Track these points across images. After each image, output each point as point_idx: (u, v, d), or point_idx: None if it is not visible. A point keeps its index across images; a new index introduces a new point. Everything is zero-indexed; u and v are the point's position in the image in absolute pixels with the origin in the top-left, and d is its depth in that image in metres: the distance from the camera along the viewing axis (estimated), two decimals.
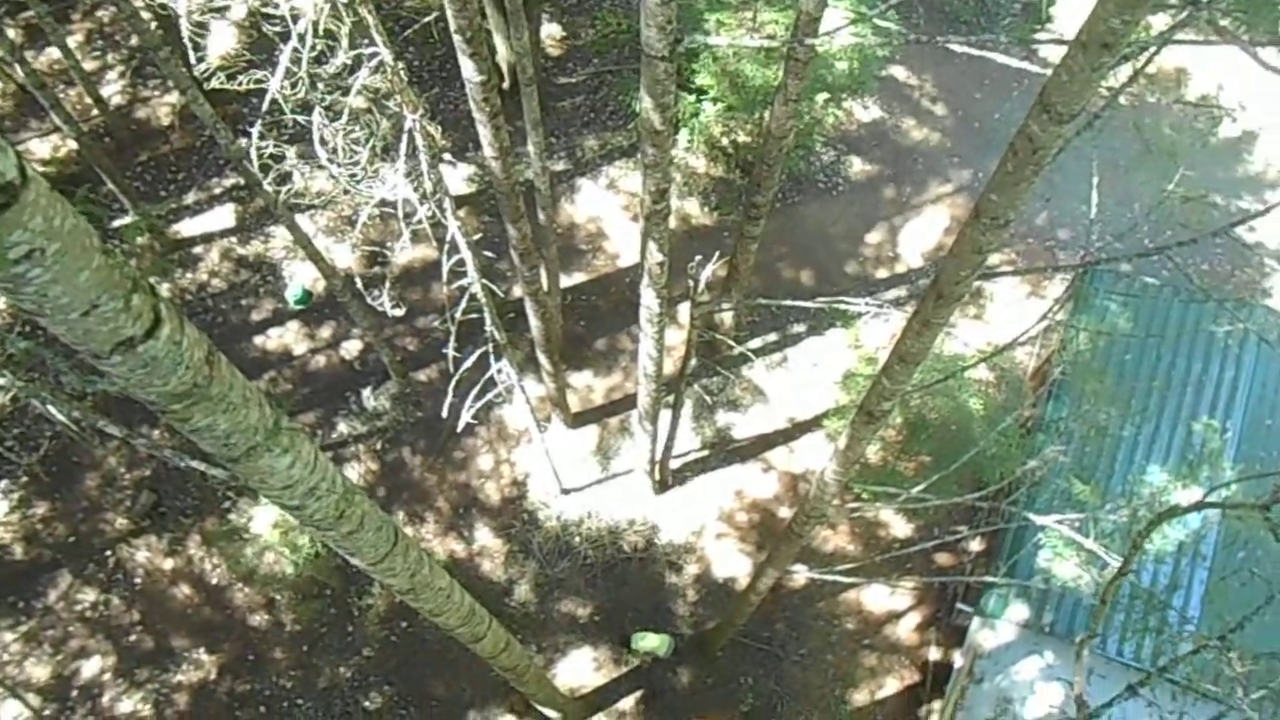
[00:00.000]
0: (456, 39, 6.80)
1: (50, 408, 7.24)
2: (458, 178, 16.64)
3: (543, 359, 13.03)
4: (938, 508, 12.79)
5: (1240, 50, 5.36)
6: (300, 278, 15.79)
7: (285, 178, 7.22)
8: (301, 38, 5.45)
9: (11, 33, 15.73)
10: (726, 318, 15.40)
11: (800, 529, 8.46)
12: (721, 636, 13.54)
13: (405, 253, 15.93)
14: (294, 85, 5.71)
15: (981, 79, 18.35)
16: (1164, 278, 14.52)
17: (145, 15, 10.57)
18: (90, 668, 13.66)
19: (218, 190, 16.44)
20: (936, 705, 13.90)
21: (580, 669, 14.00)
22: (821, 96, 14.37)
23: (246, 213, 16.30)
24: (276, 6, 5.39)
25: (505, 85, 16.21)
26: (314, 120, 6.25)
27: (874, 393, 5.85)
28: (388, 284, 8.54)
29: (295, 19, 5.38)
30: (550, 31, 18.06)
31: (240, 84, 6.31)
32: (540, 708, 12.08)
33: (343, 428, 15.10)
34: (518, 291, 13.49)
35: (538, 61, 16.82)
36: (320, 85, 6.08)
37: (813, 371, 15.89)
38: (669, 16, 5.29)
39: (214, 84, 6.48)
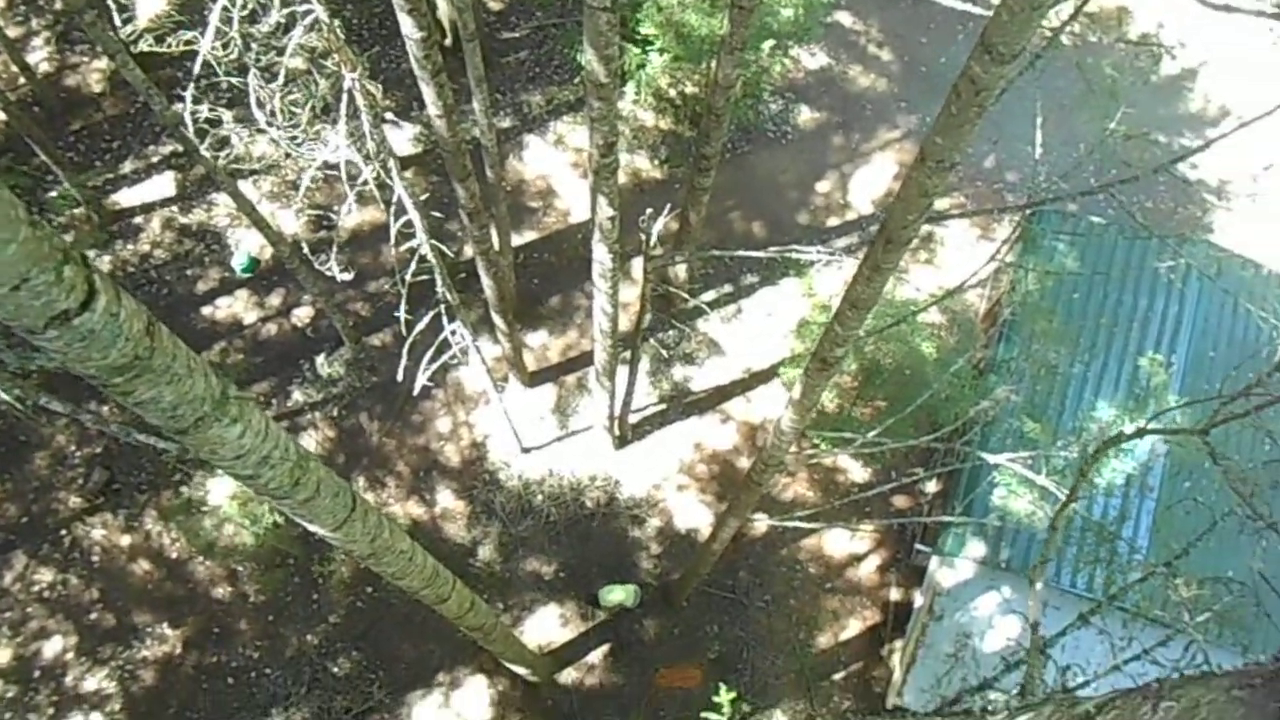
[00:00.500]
0: None
1: None
2: (403, 138, 16.36)
3: (497, 319, 12.94)
4: (894, 451, 12.99)
5: None
6: (246, 245, 15.49)
7: (223, 143, 7.04)
8: None
9: None
10: (680, 271, 15.38)
11: (759, 478, 8.55)
12: (686, 587, 13.70)
13: (352, 216, 15.67)
14: (226, 46, 5.55)
15: (927, 23, 18.34)
16: (1109, 216, 14.73)
17: None
18: (51, 648, 13.51)
19: (155, 158, 16.00)
20: (898, 644, 14.21)
21: (548, 625, 14.11)
22: (768, 44, 14.26)
23: (187, 180, 15.90)
24: None
25: (447, 42, 15.89)
26: (250, 82, 6.08)
27: (827, 340, 5.88)
28: (335, 248, 8.41)
29: None
30: None
31: (171, 46, 6.12)
32: (510, 665, 12.17)
33: (298, 396, 14.93)
34: (469, 252, 13.35)
35: (479, 16, 16.52)
36: (254, 46, 5.92)
37: (767, 321, 15.96)
38: None
39: (144, 47, 6.28)
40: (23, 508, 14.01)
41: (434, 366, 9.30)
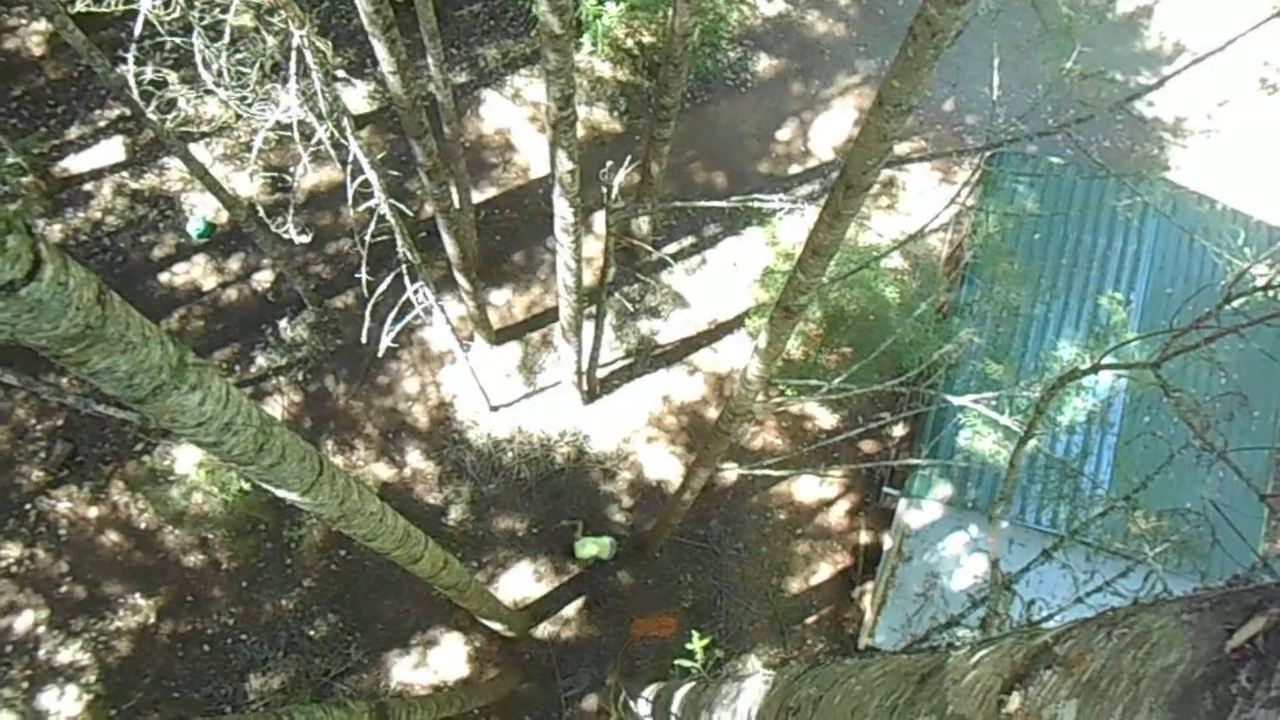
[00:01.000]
0: None
1: None
2: (357, 96, 16.05)
3: (460, 277, 12.83)
4: (860, 396, 13.11)
5: None
6: (201, 210, 15.19)
7: (171, 105, 6.87)
8: None
9: None
10: (643, 224, 15.31)
11: (727, 427, 8.60)
12: (659, 538, 13.83)
13: (309, 177, 15.40)
14: (168, 4, 5.39)
15: None
16: (1068, 156, 14.81)
17: None
18: (23, 622, 13.42)
19: (102, 123, 15.58)
20: (869, 586, 14.47)
21: (523, 581, 14.21)
22: None
23: (136, 145, 15.52)
24: None
25: None
26: (195, 42, 5.92)
27: (790, 288, 5.90)
28: (292, 210, 8.27)
29: None
30: None
31: (111, 6, 5.93)
32: (485, 622, 12.26)
33: (261, 361, 14.77)
34: (429, 210, 13.20)
35: None
36: (197, 4, 5.75)
37: (732, 272, 15.96)
38: None
39: (82, 7, 6.08)
40: None
41: (398, 328, 9.23)
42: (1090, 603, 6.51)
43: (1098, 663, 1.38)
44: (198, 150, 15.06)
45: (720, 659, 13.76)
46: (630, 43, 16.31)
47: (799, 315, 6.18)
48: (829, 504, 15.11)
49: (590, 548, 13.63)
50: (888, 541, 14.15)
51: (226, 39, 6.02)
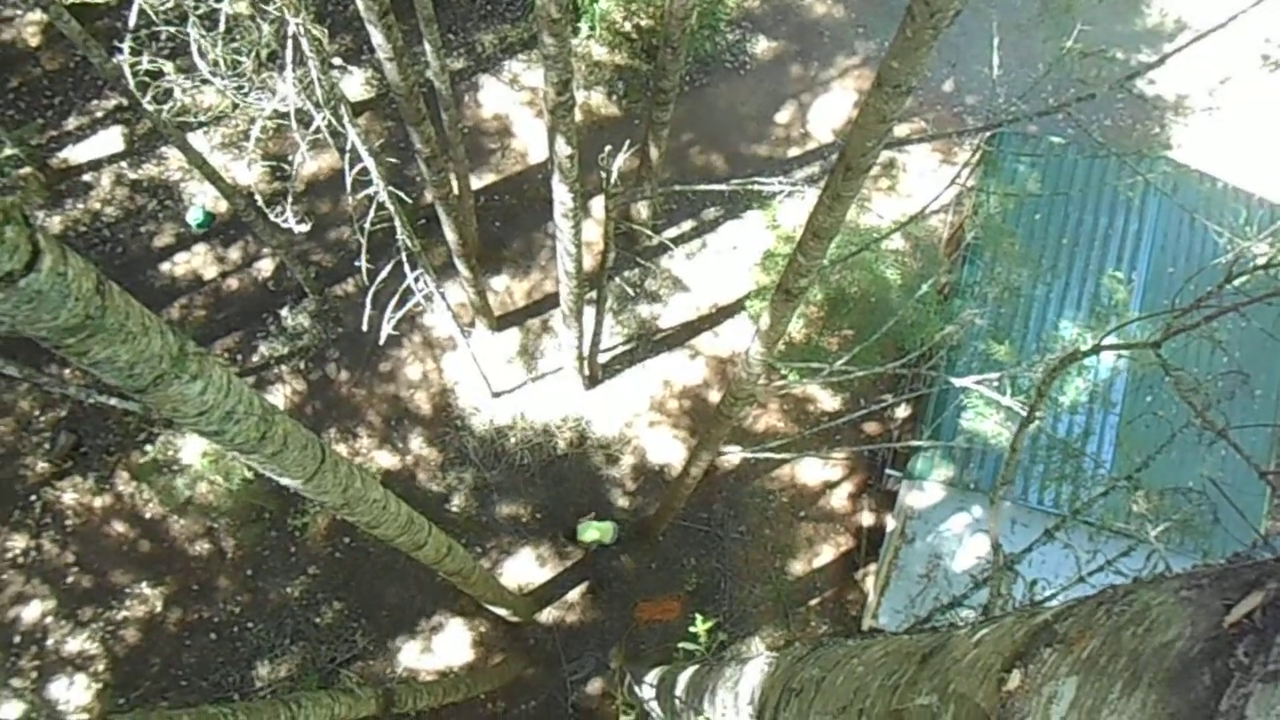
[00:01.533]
0: None
1: None
2: (354, 83, 16.00)
3: (460, 264, 12.82)
4: (862, 379, 13.13)
5: None
6: (200, 199, 15.17)
7: (167, 95, 6.85)
8: None
9: None
10: (642, 208, 15.29)
11: (728, 411, 8.61)
12: (662, 522, 13.86)
13: (307, 165, 15.38)
14: None
15: None
16: (1069, 136, 14.75)
17: None
18: (31, 612, 13.49)
19: (100, 113, 15.56)
20: (871, 568, 14.52)
21: (526, 567, 14.26)
22: None
23: (134, 135, 15.49)
24: None
25: None
26: (190, 31, 5.90)
27: (790, 270, 5.89)
28: (290, 199, 8.25)
29: None
30: None
31: None
32: (490, 607, 12.30)
33: (264, 350, 14.78)
34: (429, 197, 13.18)
35: None
36: None
37: (732, 255, 15.94)
38: None
39: None
40: None
41: (399, 315, 9.24)
42: (1092, 582, 6.52)
43: (1097, 640, 1.38)
44: (195, 139, 15.03)
45: (724, 642, 13.81)
46: (628, 26, 16.25)
47: (800, 298, 6.18)
48: (831, 486, 15.13)
49: (592, 532, 13.67)
50: (890, 523, 14.18)
51: (222, 27, 6.00)
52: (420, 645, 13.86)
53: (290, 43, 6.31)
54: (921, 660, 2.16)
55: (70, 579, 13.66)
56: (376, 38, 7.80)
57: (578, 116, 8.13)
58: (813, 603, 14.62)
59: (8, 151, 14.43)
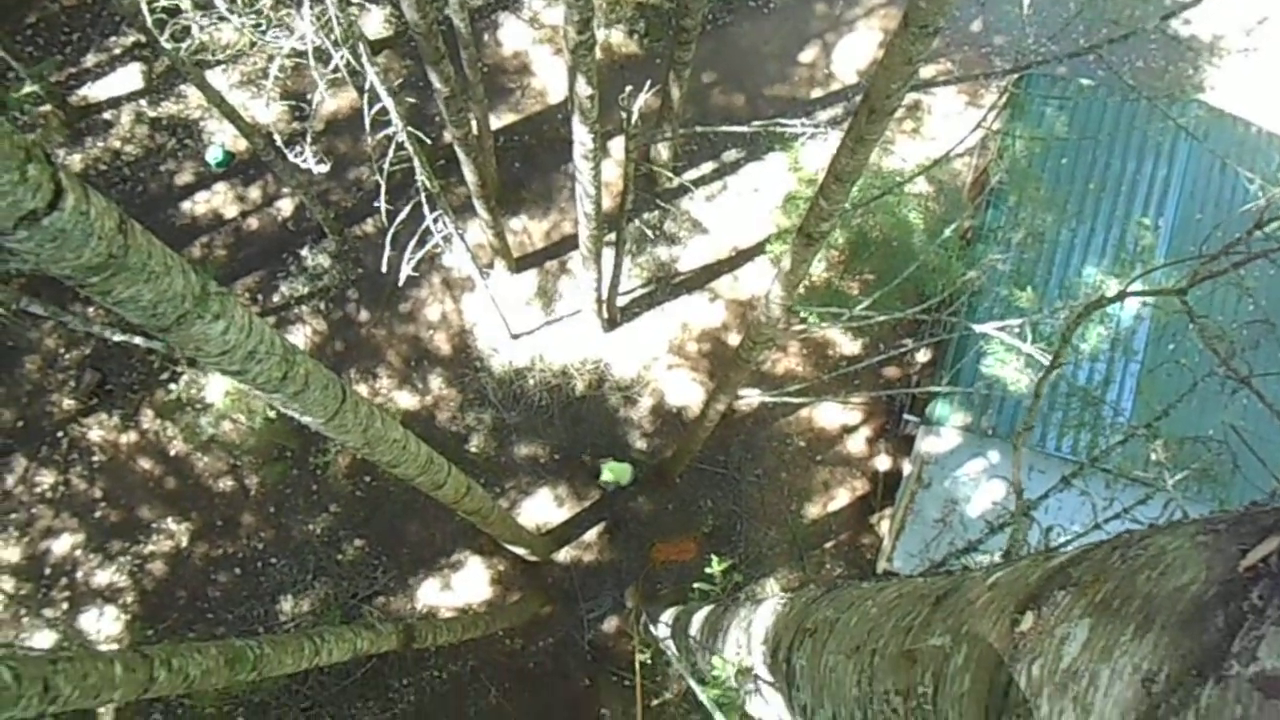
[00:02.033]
0: None
1: None
2: (373, 21, 15.82)
3: (479, 205, 12.77)
4: (883, 324, 13.07)
5: None
6: (220, 137, 15.14)
7: (184, 32, 6.79)
8: None
9: None
10: (663, 149, 15.14)
11: (747, 355, 8.61)
12: (679, 464, 13.95)
13: (326, 103, 15.29)
14: None
15: None
16: (1099, 78, 14.44)
17: None
18: (60, 546, 13.79)
19: (118, 50, 15.47)
20: (887, 512, 14.59)
21: (544, 507, 14.42)
22: None
23: (153, 72, 15.42)
24: None
25: None
26: None
27: (812, 214, 5.84)
28: (309, 138, 8.22)
29: None
30: None
31: None
32: (509, 546, 12.48)
33: (284, 290, 14.85)
34: (448, 137, 13.09)
35: None
36: None
37: (753, 197, 15.80)
38: None
39: None
40: (17, 412, 14.09)
41: (418, 256, 9.23)
42: (1108, 529, 6.53)
43: (1111, 583, 1.39)
44: (213, 77, 14.95)
45: (739, 583, 13.99)
46: None
47: (821, 242, 6.13)
48: (849, 430, 15.16)
49: (608, 473, 13.77)
50: (907, 468, 14.21)
51: None
52: (440, 582, 14.10)
53: None
54: (935, 602, 2.18)
55: (98, 514, 13.93)
56: None
57: (598, 55, 8.02)
58: (828, 545, 14.74)
59: (27, 89, 14.40)
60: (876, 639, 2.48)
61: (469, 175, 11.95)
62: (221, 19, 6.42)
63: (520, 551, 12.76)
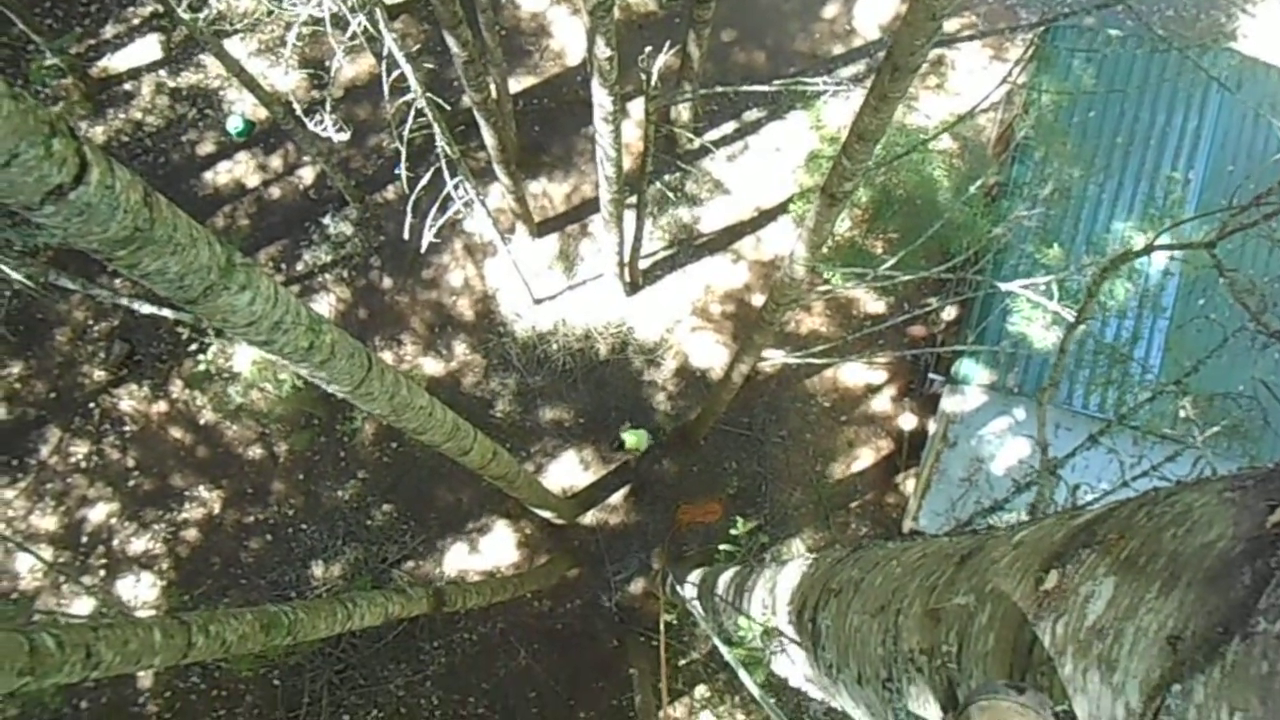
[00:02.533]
0: None
1: (3, 266, 7.09)
2: None
3: (499, 170, 12.75)
4: (907, 282, 12.97)
5: None
6: (240, 107, 15.15)
7: (202, 1, 6.78)
8: None
9: None
10: (683, 110, 15.01)
11: (771, 316, 8.58)
12: (703, 426, 13.98)
13: (344, 70, 15.26)
14: None
15: None
16: (1128, 29, 14.14)
17: None
18: (96, 515, 14.04)
19: (136, 20, 15.48)
20: (912, 472, 14.57)
21: (570, 470, 14.51)
22: None
23: (171, 42, 15.42)
24: None
25: None
26: None
27: (835, 174, 5.78)
28: (329, 106, 8.22)
29: None
30: None
31: None
32: (535, 510, 12.59)
33: (307, 258, 14.92)
34: (467, 101, 13.04)
35: None
36: None
37: (775, 157, 15.66)
38: None
39: None
40: (49, 384, 14.29)
41: (439, 222, 9.25)
42: (1136, 487, 6.50)
43: (1137, 541, 1.39)
44: (232, 46, 14.94)
45: (764, 544, 14.07)
46: None
47: (844, 202, 6.08)
48: (874, 390, 15.11)
49: (631, 439, 13.80)
50: (932, 427, 14.17)
51: None
52: (468, 546, 14.26)
53: None
54: (960, 561, 2.18)
55: (132, 482, 14.16)
56: None
57: (616, 15, 7.94)
58: (853, 506, 14.76)
59: (48, 61, 14.45)
60: (901, 598, 2.49)
61: (489, 140, 11.91)
62: None
63: (546, 515, 12.86)
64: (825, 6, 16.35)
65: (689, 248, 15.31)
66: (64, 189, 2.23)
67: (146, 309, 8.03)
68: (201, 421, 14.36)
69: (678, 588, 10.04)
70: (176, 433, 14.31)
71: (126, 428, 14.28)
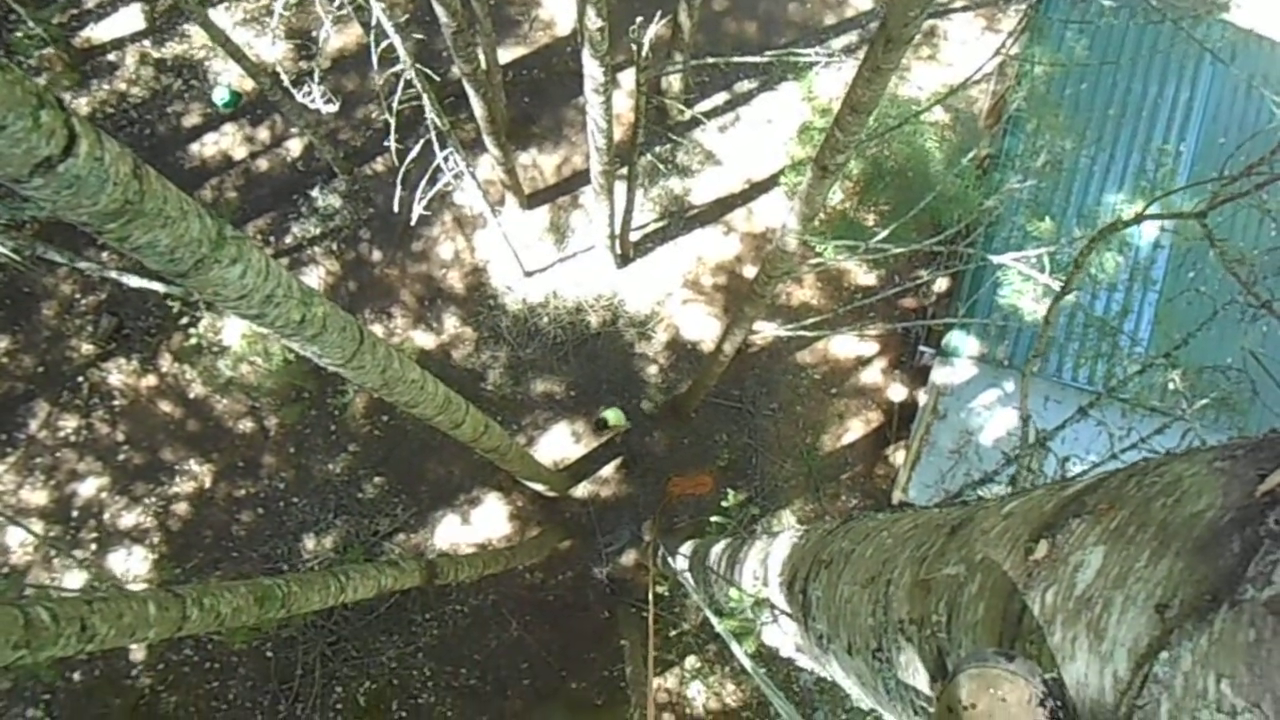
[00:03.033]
0: None
1: None
2: None
3: (489, 141, 12.66)
4: (899, 255, 12.98)
5: None
6: (226, 78, 15.00)
7: None
8: None
9: None
10: (674, 81, 14.92)
11: (762, 289, 8.58)
12: (694, 399, 14.01)
13: (332, 40, 15.10)
14: None
15: None
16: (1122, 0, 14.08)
17: None
18: (86, 489, 14.02)
19: None
20: (902, 443, 14.65)
21: (561, 443, 14.54)
22: None
23: (155, 11, 15.24)
24: None
25: None
26: None
27: (827, 146, 5.77)
28: (316, 77, 8.14)
29: None
30: None
31: None
32: (526, 482, 12.62)
33: (296, 231, 14.83)
34: (456, 72, 12.94)
35: None
36: None
37: (766, 128, 15.60)
38: None
39: None
40: (37, 358, 14.23)
41: (429, 195, 9.20)
42: (1125, 459, 6.55)
43: (1126, 510, 1.41)
44: (217, 15, 14.78)
45: (755, 515, 14.14)
46: None
47: (836, 175, 6.07)
48: (864, 363, 15.16)
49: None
50: (922, 399, 14.23)
51: None
52: (459, 519, 14.30)
53: None
54: (950, 532, 2.20)
55: (122, 456, 14.14)
56: None
57: None
58: (843, 478, 14.84)
59: (31, 31, 14.27)
60: (891, 569, 2.51)
61: (478, 111, 11.83)
62: None
63: (538, 487, 12.90)
64: None
65: (680, 220, 15.28)
66: (53, 161, 2.21)
67: (135, 282, 7.99)
68: (191, 395, 14.33)
69: (669, 559, 10.10)
70: (166, 406, 14.27)
71: (116, 401, 14.23)
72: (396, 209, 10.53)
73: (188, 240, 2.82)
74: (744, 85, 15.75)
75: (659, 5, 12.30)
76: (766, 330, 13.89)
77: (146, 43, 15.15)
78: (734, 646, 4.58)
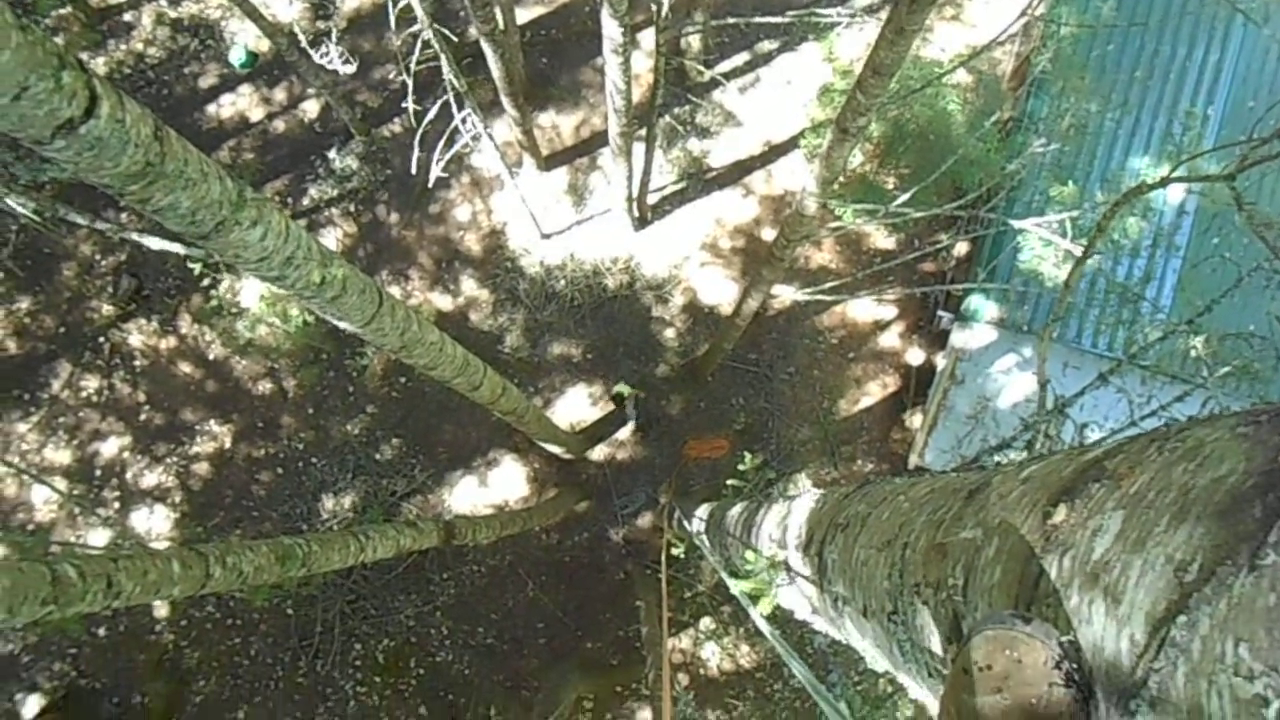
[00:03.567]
0: None
1: (9, 200, 7.07)
2: None
3: (507, 102, 12.59)
4: (919, 218, 12.86)
5: None
6: (242, 38, 14.94)
7: None
8: None
9: None
10: (694, 41, 14.76)
11: (780, 252, 8.53)
12: (711, 362, 14.00)
13: (349, 0, 15.00)
14: None
15: None
16: None
17: None
18: (109, 448, 14.19)
19: None
20: (919, 408, 14.62)
21: (578, 405, 14.59)
22: None
23: None
24: None
25: None
26: None
27: (848, 109, 5.70)
28: (333, 37, 8.10)
29: None
30: None
31: None
32: (543, 444, 12.68)
33: (313, 193, 14.84)
34: (473, 33, 12.84)
35: None
36: None
37: (786, 90, 15.44)
38: None
39: None
40: (58, 318, 14.35)
41: (447, 156, 9.18)
42: (1145, 426, 6.51)
43: (1146, 475, 1.40)
44: None
45: (771, 479, 14.17)
46: None
47: (858, 138, 6.01)
48: (882, 326, 15.09)
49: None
50: (940, 363, 14.17)
51: None
52: (476, 481, 14.41)
53: None
54: (967, 496, 2.20)
55: (143, 416, 14.29)
56: None
57: None
58: (860, 442, 14.84)
59: None
60: (908, 533, 2.52)
61: (496, 72, 11.75)
62: None
63: (555, 449, 12.96)
64: None
65: (699, 182, 15.19)
66: (74, 123, 2.21)
67: (155, 244, 8.02)
68: (211, 356, 14.43)
69: (685, 522, 10.16)
70: (186, 367, 14.39)
71: (136, 362, 14.36)
72: (414, 170, 10.51)
73: (209, 202, 2.83)
74: (764, 46, 15.56)
75: None
76: (784, 294, 13.83)
77: (163, 2, 15.10)
78: (750, 608, 4.61)
